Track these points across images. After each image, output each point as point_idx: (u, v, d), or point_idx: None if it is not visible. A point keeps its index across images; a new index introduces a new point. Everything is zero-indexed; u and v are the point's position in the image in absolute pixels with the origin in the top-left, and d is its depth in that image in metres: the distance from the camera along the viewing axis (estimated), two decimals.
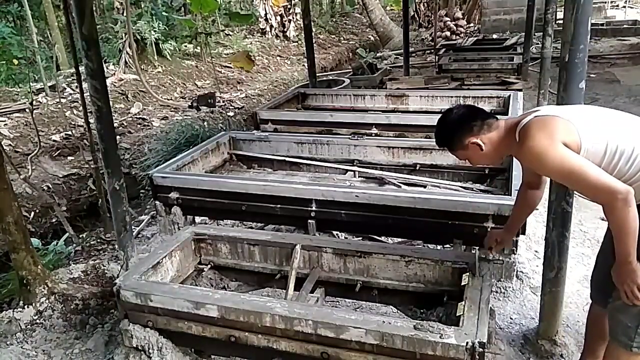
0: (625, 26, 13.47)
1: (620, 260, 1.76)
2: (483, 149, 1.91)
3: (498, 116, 2.00)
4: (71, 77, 8.00)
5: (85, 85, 3.27)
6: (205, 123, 6.78)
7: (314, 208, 3.11)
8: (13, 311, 2.88)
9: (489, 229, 2.70)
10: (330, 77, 8.45)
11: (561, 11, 3.30)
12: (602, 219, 3.54)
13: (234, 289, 2.79)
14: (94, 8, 3.11)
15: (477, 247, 2.84)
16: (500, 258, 2.73)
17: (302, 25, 8.15)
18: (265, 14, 14.08)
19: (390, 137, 4.43)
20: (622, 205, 1.65)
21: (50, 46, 8.91)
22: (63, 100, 7.16)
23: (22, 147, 6.00)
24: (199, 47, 11.00)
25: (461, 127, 1.94)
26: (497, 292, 3.10)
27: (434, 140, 2.13)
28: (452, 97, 5.28)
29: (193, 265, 2.77)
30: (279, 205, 3.20)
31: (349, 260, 2.52)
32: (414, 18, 16.46)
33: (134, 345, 2.27)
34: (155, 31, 9.88)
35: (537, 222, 3.55)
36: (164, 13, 10.24)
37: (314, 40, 6.75)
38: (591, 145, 1.75)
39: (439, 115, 2.11)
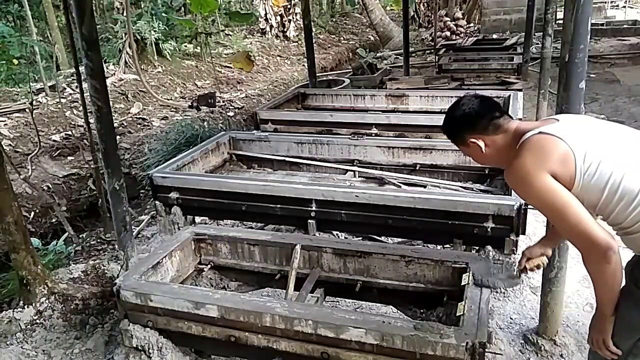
0: (625, 26, 13.48)
1: (597, 308, 1.68)
2: (483, 150, 1.74)
3: (514, 119, 1.81)
4: (71, 77, 8.00)
5: (85, 85, 3.27)
6: (205, 123, 6.78)
7: (314, 208, 3.11)
8: (13, 311, 2.88)
9: (488, 229, 2.70)
10: (330, 77, 8.46)
11: (561, 11, 3.30)
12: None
13: (234, 289, 2.79)
14: (94, 8, 3.11)
15: (477, 247, 2.85)
16: (500, 258, 2.73)
17: (302, 25, 8.16)
18: (265, 14, 14.07)
19: (390, 137, 4.43)
20: (599, 259, 1.50)
21: (50, 46, 8.90)
22: (63, 100, 7.15)
23: (22, 147, 5.99)
24: (199, 47, 11.00)
25: (464, 122, 1.76)
26: (497, 292, 3.10)
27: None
28: (452, 97, 5.27)
29: (193, 265, 2.77)
30: (279, 205, 3.20)
31: (349, 260, 2.52)
32: (414, 18, 16.45)
33: (134, 345, 2.27)
34: (155, 31, 9.88)
35: (537, 222, 3.54)
36: (164, 13, 10.23)
37: (314, 40, 6.75)
38: (589, 179, 1.54)
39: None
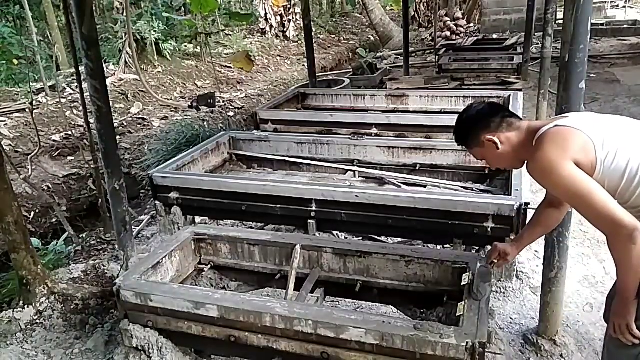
0: (625, 26, 13.47)
1: (618, 292, 1.69)
2: (499, 147, 1.79)
3: (522, 118, 1.88)
4: (71, 77, 7.99)
5: (85, 85, 3.27)
6: (205, 123, 6.79)
7: (314, 208, 3.11)
8: (13, 311, 2.87)
9: (488, 229, 2.70)
10: (330, 77, 8.46)
11: (561, 11, 3.30)
12: None
13: (234, 289, 2.79)
14: (94, 8, 3.11)
15: (477, 247, 2.86)
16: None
17: (302, 25, 8.15)
18: (265, 14, 14.08)
19: (390, 137, 4.43)
20: (626, 241, 1.53)
21: (50, 46, 8.91)
22: (63, 100, 7.16)
23: (22, 147, 5.99)
24: (199, 47, 11.00)
25: (478, 122, 1.83)
26: (497, 292, 3.10)
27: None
28: (452, 97, 5.27)
29: (193, 265, 2.77)
30: (279, 205, 3.20)
31: (349, 260, 2.52)
32: (414, 18, 16.45)
33: (134, 345, 2.27)
34: (155, 31, 9.88)
35: None
36: (164, 13, 10.23)
37: (314, 40, 6.75)
38: (609, 166, 1.63)
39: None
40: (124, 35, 9.16)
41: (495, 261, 2.13)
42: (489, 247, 2.74)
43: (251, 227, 3.83)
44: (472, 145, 1.87)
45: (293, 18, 14.55)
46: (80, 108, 5.50)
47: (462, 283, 2.12)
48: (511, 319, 2.91)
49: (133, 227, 3.93)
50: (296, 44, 14.26)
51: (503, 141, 1.79)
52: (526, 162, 1.78)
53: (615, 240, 1.58)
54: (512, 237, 2.69)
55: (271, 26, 14.24)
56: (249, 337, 2.09)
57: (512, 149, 1.80)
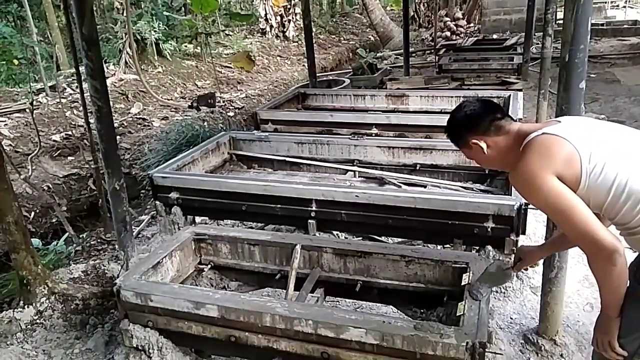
0: (625, 26, 13.48)
1: (602, 309, 1.66)
2: (485, 152, 1.73)
3: (515, 120, 1.79)
4: (71, 77, 7.99)
5: (85, 85, 3.27)
6: (205, 123, 6.79)
7: (314, 208, 3.11)
8: (13, 311, 2.88)
9: (488, 229, 2.70)
10: (330, 77, 8.46)
11: (561, 11, 3.30)
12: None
13: (234, 289, 2.79)
14: (94, 8, 3.11)
15: (477, 247, 2.85)
16: (500, 258, 2.73)
17: (302, 25, 8.16)
18: (265, 14, 14.08)
19: (390, 137, 4.43)
20: (605, 262, 1.49)
21: (50, 46, 8.90)
22: (63, 100, 7.15)
23: (22, 147, 5.99)
24: (199, 47, 11.00)
25: (466, 124, 1.76)
26: (497, 292, 3.10)
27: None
28: (452, 97, 5.27)
29: (193, 265, 2.77)
30: (279, 205, 3.20)
31: (349, 260, 2.52)
32: (414, 18, 16.45)
33: (134, 345, 2.27)
34: (155, 31, 9.88)
35: (537, 222, 3.55)
36: (164, 13, 10.23)
37: (314, 40, 6.75)
38: (595, 179, 1.54)
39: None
40: (124, 35, 9.16)
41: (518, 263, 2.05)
42: (489, 247, 2.75)
43: (251, 227, 3.83)
44: (460, 145, 1.82)
45: (293, 18, 14.55)
46: (81, 108, 5.50)
47: (462, 283, 2.12)
48: (511, 318, 2.91)
49: (133, 227, 3.93)
50: (296, 44, 14.26)
51: (490, 145, 1.73)
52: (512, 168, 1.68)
53: (594, 260, 1.53)
54: (512, 237, 2.69)
55: (271, 26, 14.24)
56: (249, 337, 2.09)
57: (498, 154, 1.73)
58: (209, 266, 2.78)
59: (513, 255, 2.13)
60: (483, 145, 1.73)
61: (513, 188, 2.75)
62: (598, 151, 1.55)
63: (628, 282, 1.58)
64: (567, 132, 1.59)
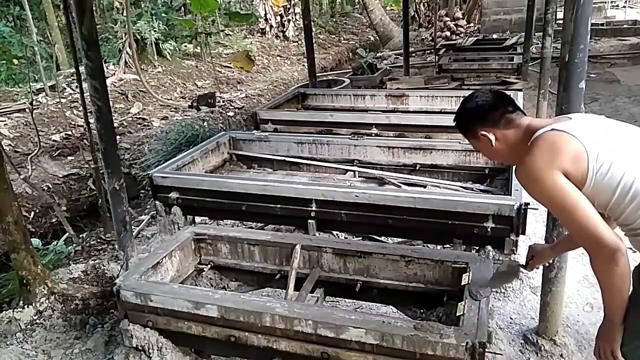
0: (625, 26, 13.46)
1: (605, 316, 1.62)
2: (493, 144, 1.71)
3: (526, 115, 1.76)
4: (71, 76, 8.00)
5: (85, 85, 3.27)
6: (205, 123, 6.78)
7: (314, 208, 3.11)
8: (13, 311, 2.87)
9: (488, 229, 2.70)
10: (330, 77, 8.45)
11: (561, 11, 3.30)
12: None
13: (234, 289, 2.79)
14: (94, 8, 3.11)
15: (477, 247, 2.85)
16: (500, 258, 2.73)
17: (302, 25, 8.15)
18: (265, 14, 14.08)
19: (390, 137, 4.43)
20: (607, 261, 1.47)
21: (50, 46, 8.90)
22: (63, 100, 7.15)
23: (22, 147, 5.99)
24: (199, 47, 11.00)
25: (476, 115, 1.74)
26: (497, 292, 3.10)
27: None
28: (452, 97, 5.27)
29: (193, 265, 2.77)
30: (279, 205, 3.20)
31: (349, 260, 2.52)
32: (414, 18, 16.44)
33: (134, 345, 2.27)
34: (155, 31, 9.88)
35: (537, 222, 3.55)
36: (164, 13, 10.23)
37: (314, 40, 6.75)
38: (601, 178, 1.52)
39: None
40: (124, 35, 9.17)
41: (531, 262, 2.05)
42: (489, 247, 2.75)
43: (251, 227, 3.83)
44: (468, 136, 1.80)
45: (293, 18, 14.55)
46: (80, 108, 5.50)
47: (462, 283, 2.12)
48: (511, 318, 2.91)
49: (133, 227, 3.93)
50: (296, 44, 14.25)
51: (499, 138, 1.70)
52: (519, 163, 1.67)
53: (597, 259, 1.51)
54: (512, 237, 2.69)
55: (271, 26, 14.24)
56: (249, 337, 2.09)
57: (507, 147, 1.71)
58: (209, 266, 2.78)
59: (525, 254, 2.12)
60: (492, 137, 1.71)
61: (514, 186, 2.76)
62: (606, 150, 1.54)
63: (631, 287, 1.54)
64: (577, 129, 1.58)
